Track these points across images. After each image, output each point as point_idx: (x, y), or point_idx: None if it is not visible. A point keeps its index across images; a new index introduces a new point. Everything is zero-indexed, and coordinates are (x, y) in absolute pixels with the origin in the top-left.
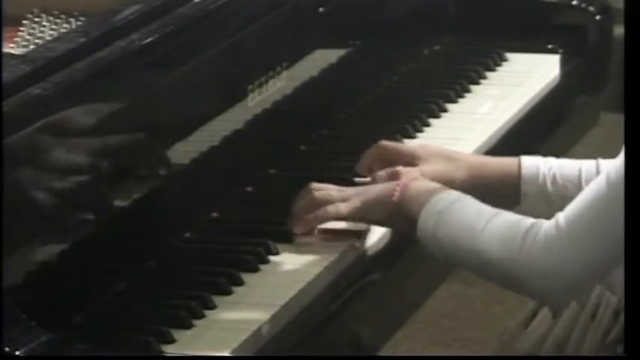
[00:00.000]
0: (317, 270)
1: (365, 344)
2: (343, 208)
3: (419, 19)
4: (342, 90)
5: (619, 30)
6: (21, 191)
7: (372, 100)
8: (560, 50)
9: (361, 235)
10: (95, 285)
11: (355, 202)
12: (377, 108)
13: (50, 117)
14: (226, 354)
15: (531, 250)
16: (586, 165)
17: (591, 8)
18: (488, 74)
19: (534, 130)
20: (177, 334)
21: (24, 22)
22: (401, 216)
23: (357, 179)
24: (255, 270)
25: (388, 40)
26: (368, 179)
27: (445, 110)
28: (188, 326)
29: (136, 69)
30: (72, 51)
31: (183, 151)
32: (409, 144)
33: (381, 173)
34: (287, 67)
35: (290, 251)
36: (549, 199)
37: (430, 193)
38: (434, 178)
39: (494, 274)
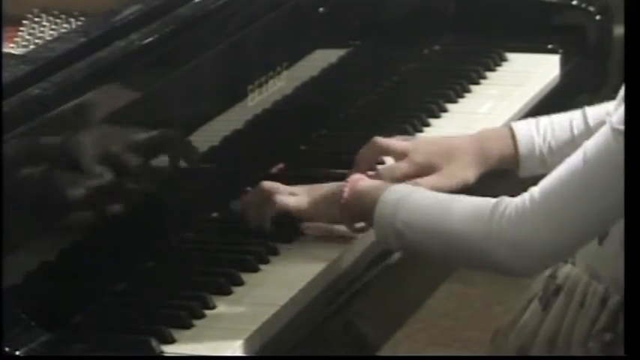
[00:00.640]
0: (317, 270)
1: (365, 344)
2: (293, 200)
3: (419, 19)
4: (342, 90)
5: (619, 30)
6: (21, 191)
7: (372, 100)
8: (560, 50)
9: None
10: (95, 285)
11: (305, 201)
12: (377, 108)
13: (50, 117)
14: (226, 354)
15: (501, 224)
16: (576, 117)
17: (591, 8)
18: (488, 74)
19: None
20: (177, 334)
21: (24, 22)
22: (353, 212)
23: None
24: (255, 270)
25: (388, 40)
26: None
27: (445, 110)
28: (188, 326)
29: (136, 69)
30: (72, 51)
31: (183, 151)
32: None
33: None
34: (287, 67)
35: (290, 251)
36: (546, 165)
37: (382, 188)
38: (449, 182)
39: (460, 253)
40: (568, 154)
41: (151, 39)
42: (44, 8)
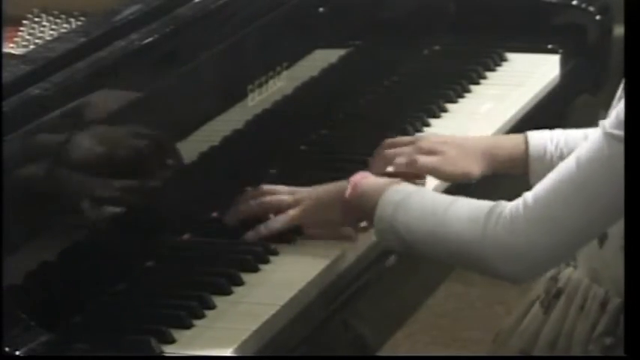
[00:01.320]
0: (317, 270)
1: (365, 344)
2: (294, 214)
3: (419, 19)
4: (342, 90)
5: (619, 30)
6: (21, 191)
7: (372, 100)
8: (560, 50)
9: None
10: (95, 285)
11: (305, 205)
12: (377, 108)
13: (50, 117)
14: (226, 354)
15: (496, 229)
16: (591, 132)
17: (591, 8)
18: (489, 74)
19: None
20: (177, 334)
21: (24, 22)
22: (354, 212)
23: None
24: (255, 270)
25: (388, 40)
26: None
27: (445, 110)
28: (188, 326)
29: (136, 69)
30: (72, 51)
31: (183, 151)
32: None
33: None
34: (287, 67)
35: (290, 251)
36: None
37: (384, 187)
38: (451, 168)
39: (457, 256)
40: None
41: (150, 39)
42: (44, 8)
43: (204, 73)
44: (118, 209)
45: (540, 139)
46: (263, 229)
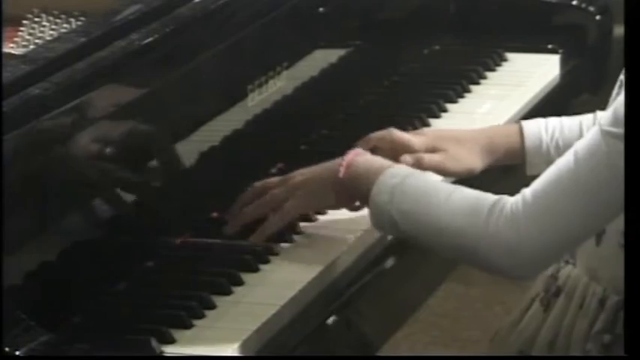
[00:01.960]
0: (317, 270)
1: (365, 344)
2: (289, 208)
3: (419, 19)
4: (342, 90)
5: (619, 30)
6: (21, 191)
7: (372, 100)
8: (560, 50)
9: None
10: (95, 285)
11: (298, 196)
12: (377, 108)
13: (50, 117)
14: (226, 354)
15: (497, 225)
16: (585, 119)
17: (591, 8)
18: (489, 74)
19: None
20: (177, 334)
21: (24, 22)
22: (348, 193)
23: None
24: (255, 270)
25: (388, 40)
26: None
27: (445, 110)
28: (188, 326)
29: (136, 69)
30: (72, 51)
31: (183, 151)
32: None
33: (407, 158)
34: (287, 67)
35: (290, 251)
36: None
37: (379, 170)
38: (455, 164)
39: (455, 250)
40: None
41: (151, 39)
42: (44, 8)
43: (204, 73)
44: (118, 209)
45: (535, 128)
46: (260, 235)
